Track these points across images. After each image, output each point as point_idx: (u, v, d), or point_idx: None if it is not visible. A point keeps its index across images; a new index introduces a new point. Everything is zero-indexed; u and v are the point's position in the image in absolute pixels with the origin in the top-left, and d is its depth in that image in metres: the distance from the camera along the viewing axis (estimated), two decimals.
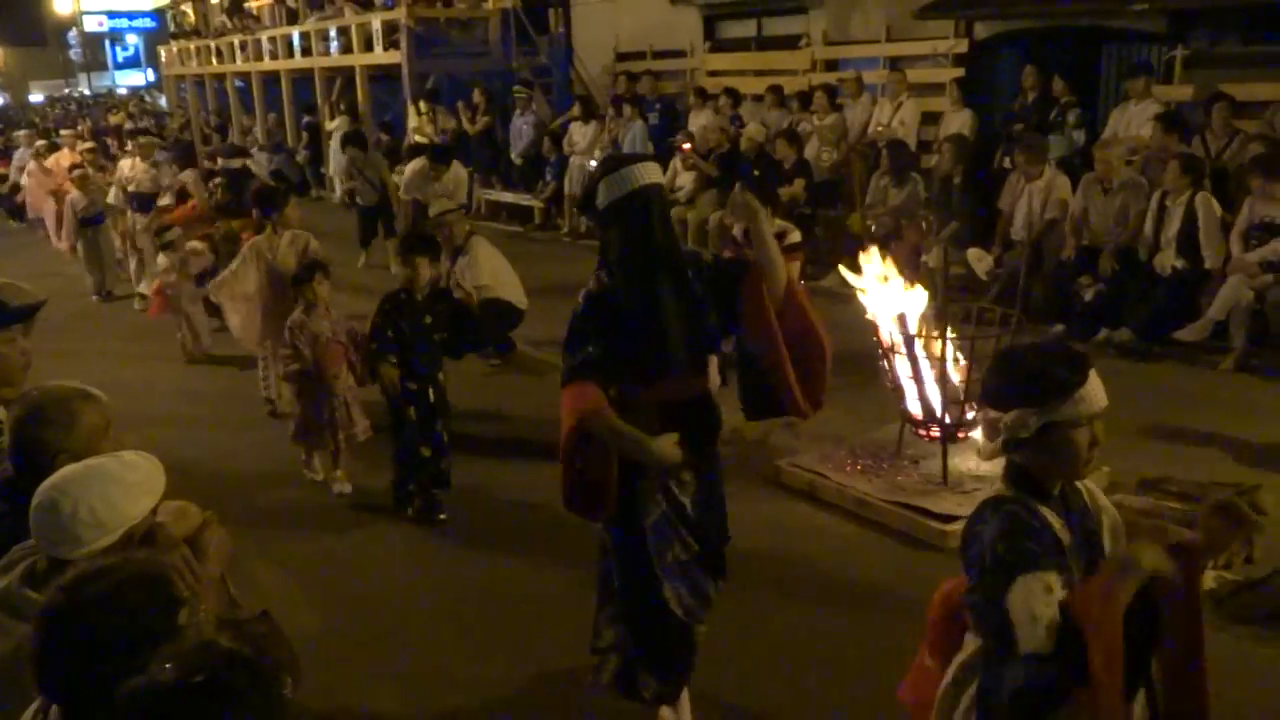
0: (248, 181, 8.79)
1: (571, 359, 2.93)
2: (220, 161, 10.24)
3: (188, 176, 10.25)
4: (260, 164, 16.91)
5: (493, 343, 7.47)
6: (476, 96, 14.31)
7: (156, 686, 1.42)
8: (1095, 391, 2.14)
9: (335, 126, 16.15)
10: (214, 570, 2.38)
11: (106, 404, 2.81)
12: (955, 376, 5.09)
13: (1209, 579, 4.20)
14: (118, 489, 2.25)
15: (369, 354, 5.09)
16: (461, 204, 9.36)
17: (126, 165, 10.75)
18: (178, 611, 1.77)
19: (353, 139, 11.54)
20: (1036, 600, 1.99)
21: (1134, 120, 8.75)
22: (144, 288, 9.67)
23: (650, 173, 3.00)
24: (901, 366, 5.12)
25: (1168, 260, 7.28)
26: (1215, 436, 5.67)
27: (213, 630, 1.81)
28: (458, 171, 9.78)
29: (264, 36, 19.03)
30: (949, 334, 5.02)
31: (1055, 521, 2.14)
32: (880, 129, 10.48)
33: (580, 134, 12.79)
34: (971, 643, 2.28)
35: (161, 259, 8.21)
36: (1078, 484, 2.26)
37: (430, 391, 5.03)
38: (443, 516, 5.09)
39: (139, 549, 2.20)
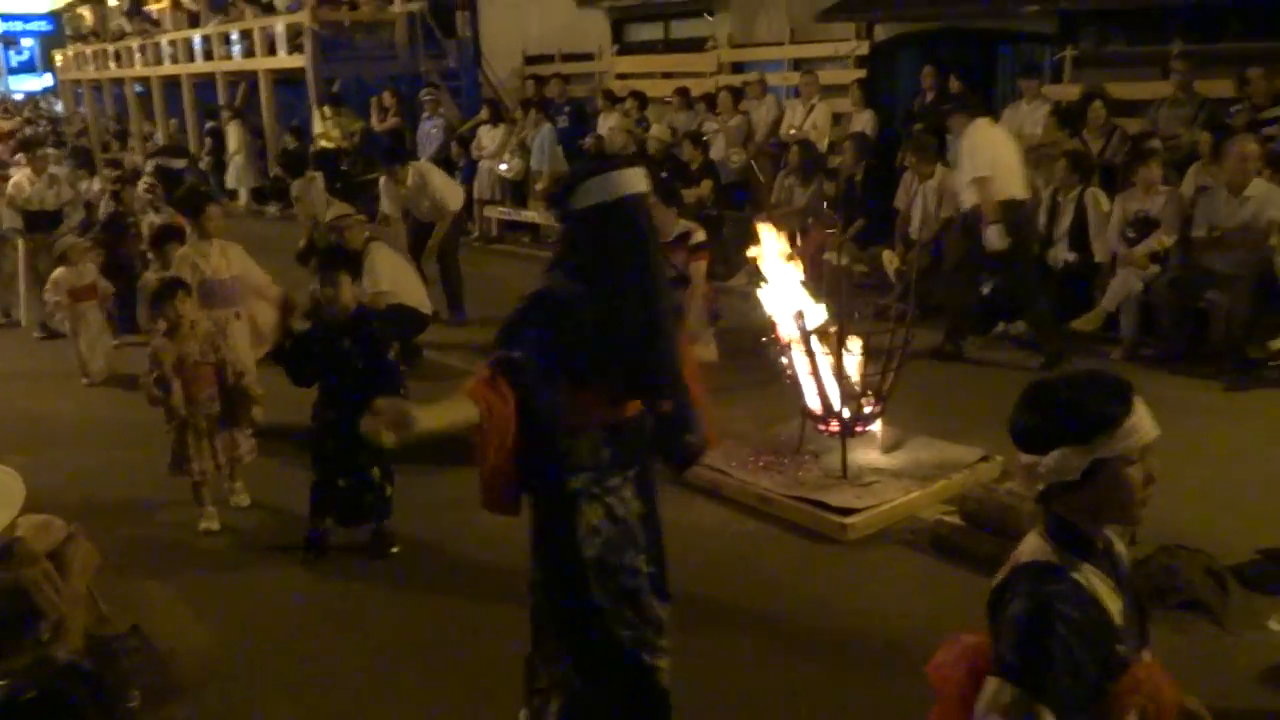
0: (182, 184, 8.24)
1: (507, 351, 2.67)
2: (158, 160, 9.29)
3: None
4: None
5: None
6: (388, 99, 14.14)
7: None
8: (1144, 420, 1.90)
9: (235, 150, 15.82)
10: (78, 585, 2.31)
11: None
12: (854, 372, 5.18)
13: None
14: None
15: (288, 369, 4.70)
16: (452, 210, 8.60)
17: (22, 180, 9.43)
18: (38, 625, 1.72)
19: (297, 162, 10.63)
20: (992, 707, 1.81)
21: (1027, 120, 9.00)
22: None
23: (639, 181, 2.80)
24: (800, 363, 5.19)
25: (1060, 254, 7.49)
26: None
27: (70, 644, 1.76)
28: (419, 167, 8.78)
29: (164, 40, 18.57)
30: (824, 329, 5.14)
31: (1103, 586, 1.91)
32: (792, 131, 10.62)
33: (489, 137, 12.72)
34: None
35: (57, 273, 7.66)
36: (1111, 537, 2.03)
37: (354, 420, 4.71)
38: (395, 550, 4.79)
39: None
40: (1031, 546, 1.96)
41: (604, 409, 2.80)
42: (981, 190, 6.95)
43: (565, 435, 2.80)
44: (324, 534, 4.80)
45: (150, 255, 7.48)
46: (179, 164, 8.37)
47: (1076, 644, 1.81)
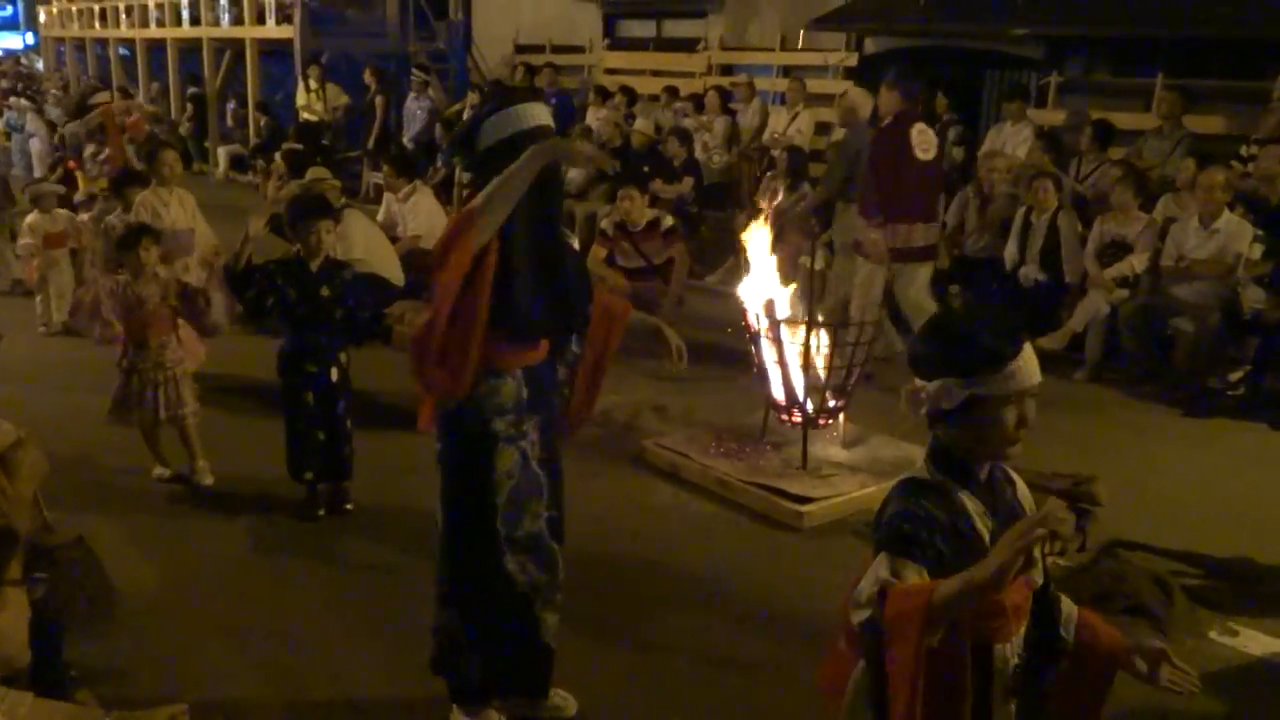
0: None
1: None
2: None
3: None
4: None
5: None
6: (367, 76, 14.06)
7: None
8: (1029, 366, 1.93)
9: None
10: (24, 488, 2.26)
11: None
12: (820, 365, 5.19)
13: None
14: None
15: (235, 287, 4.56)
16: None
17: None
18: None
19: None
20: (870, 578, 1.85)
21: (1009, 140, 9.08)
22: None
23: (541, 114, 2.81)
24: (767, 352, 5.19)
25: (1031, 273, 7.56)
26: (1065, 436, 5.88)
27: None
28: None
29: (151, 2, 18.35)
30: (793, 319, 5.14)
31: (974, 509, 1.96)
32: (776, 136, 10.65)
33: None
34: None
35: (31, 219, 7.53)
36: (1012, 476, 2.09)
37: (332, 371, 4.61)
38: (349, 507, 4.76)
39: None
40: (917, 470, 2.03)
41: (523, 351, 2.90)
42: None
43: (491, 375, 2.87)
44: (314, 488, 4.72)
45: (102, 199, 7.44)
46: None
47: (938, 535, 1.87)
